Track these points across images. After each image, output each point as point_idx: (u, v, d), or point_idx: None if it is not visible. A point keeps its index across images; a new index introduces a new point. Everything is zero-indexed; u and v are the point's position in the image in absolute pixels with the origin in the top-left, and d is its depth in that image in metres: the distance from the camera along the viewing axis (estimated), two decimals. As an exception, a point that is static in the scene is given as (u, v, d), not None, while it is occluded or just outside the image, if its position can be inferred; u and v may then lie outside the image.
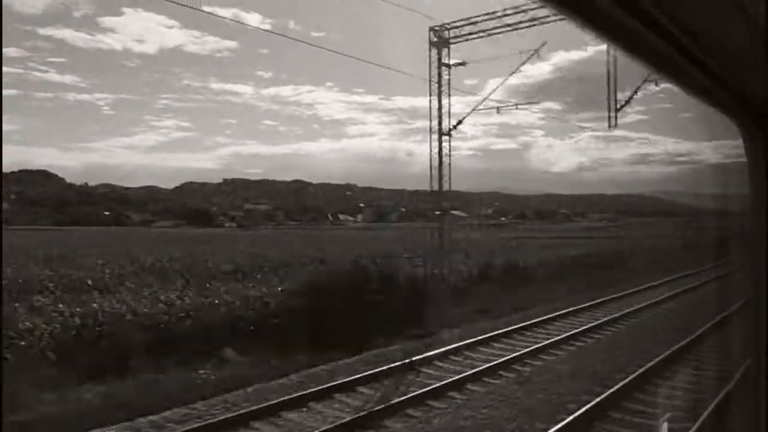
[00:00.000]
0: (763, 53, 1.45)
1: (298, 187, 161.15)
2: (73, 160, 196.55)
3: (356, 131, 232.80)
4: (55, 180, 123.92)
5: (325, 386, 10.51)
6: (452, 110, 22.00)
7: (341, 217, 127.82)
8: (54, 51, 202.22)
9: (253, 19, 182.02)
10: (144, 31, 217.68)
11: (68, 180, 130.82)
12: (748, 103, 1.71)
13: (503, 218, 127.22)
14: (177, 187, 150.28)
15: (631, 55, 1.32)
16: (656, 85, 22.57)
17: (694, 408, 8.22)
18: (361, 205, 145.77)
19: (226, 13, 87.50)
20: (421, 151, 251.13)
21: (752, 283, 1.86)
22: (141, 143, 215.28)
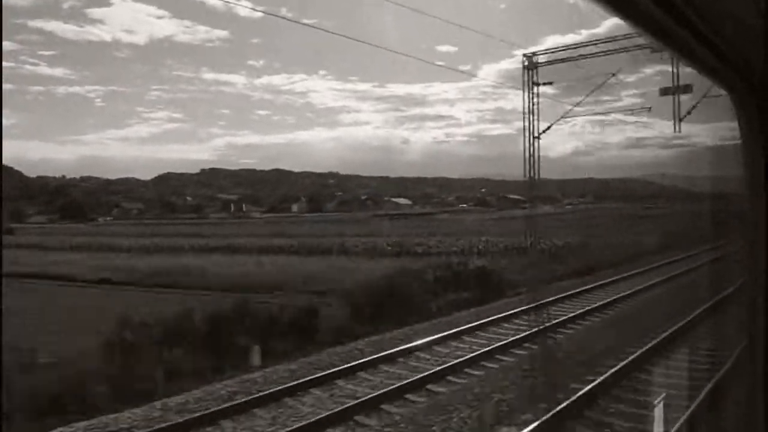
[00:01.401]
0: (764, 25, 1.39)
1: (279, 176, 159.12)
2: (66, 153, 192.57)
3: (351, 119, 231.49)
4: (11, 173, 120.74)
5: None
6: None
7: (245, 208, 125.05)
8: (44, 44, 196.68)
9: (243, 6, 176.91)
10: (133, 22, 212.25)
11: (26, 174, 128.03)
12: (747, 77, 1.67)
13: (464, 205, 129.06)
14: (155, 178, 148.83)
15: (630, 23, 1.25)
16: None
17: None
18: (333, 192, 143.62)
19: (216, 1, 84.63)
20: (417, 138, 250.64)
21: (750, 265, 1.83)
22: (134, 135, 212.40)
